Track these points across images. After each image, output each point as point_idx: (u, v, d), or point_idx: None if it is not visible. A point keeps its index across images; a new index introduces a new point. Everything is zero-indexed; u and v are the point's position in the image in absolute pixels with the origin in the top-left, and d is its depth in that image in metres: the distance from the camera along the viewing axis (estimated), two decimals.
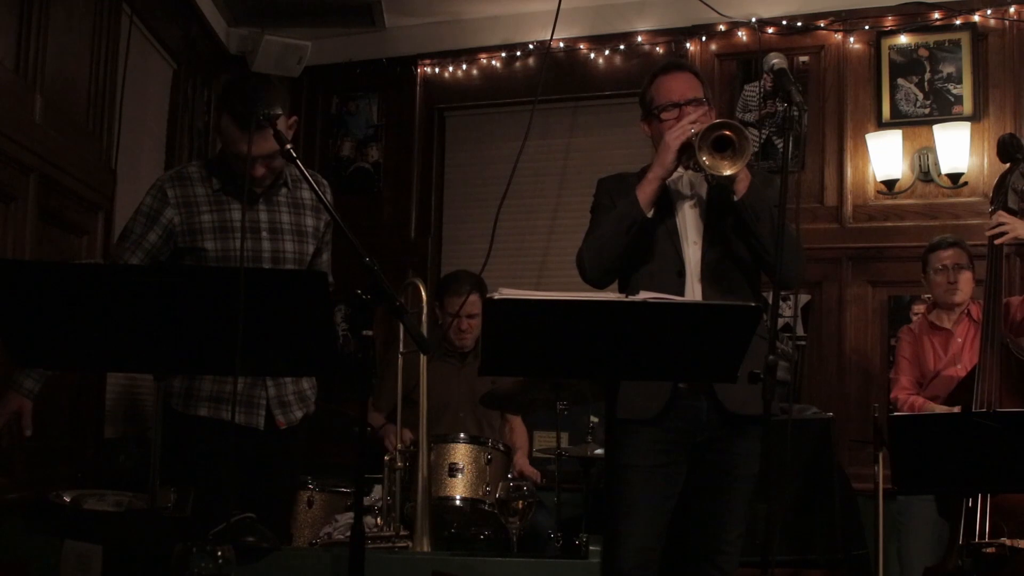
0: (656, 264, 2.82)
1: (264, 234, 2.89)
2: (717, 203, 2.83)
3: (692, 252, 2.82)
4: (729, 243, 2.81)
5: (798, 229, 2.74)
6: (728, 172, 2.64)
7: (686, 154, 2.73)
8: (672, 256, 2.82)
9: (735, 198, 2.73)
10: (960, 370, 3.74)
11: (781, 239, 2.47)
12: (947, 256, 3.85)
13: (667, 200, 2.84)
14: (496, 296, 2.12)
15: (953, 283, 3.84)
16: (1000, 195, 3.63)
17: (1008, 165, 3.65)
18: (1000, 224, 3.49)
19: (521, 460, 4.18)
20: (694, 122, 2.72)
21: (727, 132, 2.62)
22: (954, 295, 3.86)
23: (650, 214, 2.76)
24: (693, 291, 2.78)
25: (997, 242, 3.49)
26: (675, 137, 2.72)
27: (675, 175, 2.83)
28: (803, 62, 4.99)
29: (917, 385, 3.86)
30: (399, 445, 3.54)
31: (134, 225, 2.89)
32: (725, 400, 2.73)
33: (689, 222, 2.85)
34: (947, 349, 3.86)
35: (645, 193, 2.75)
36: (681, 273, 2.80)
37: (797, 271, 2.75)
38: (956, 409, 3.48)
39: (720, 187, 2.77)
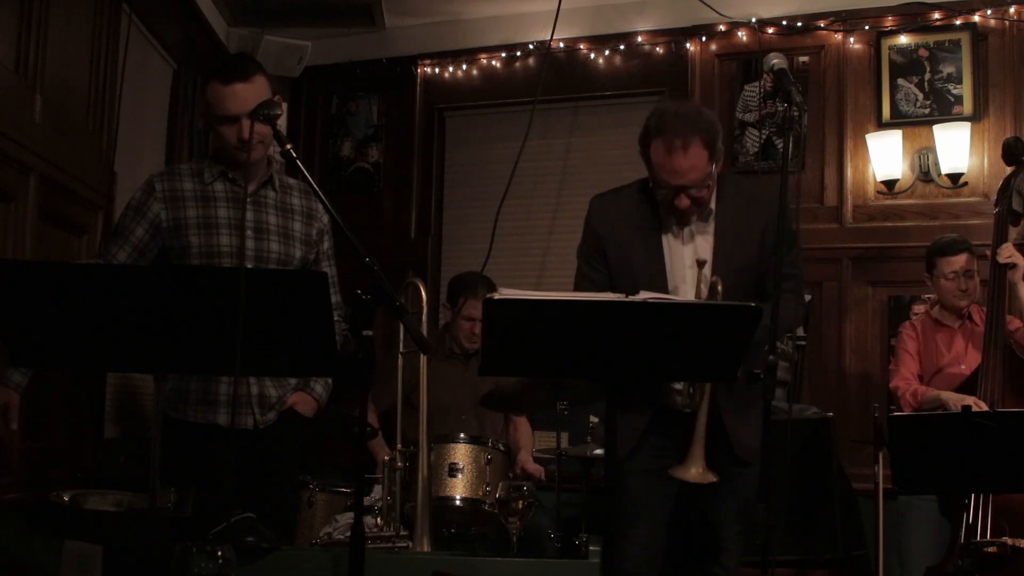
0: None
1: (249, 232, 2.90)
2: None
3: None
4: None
5: (798, 228, 2.74)
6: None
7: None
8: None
9: None
10: (964, 369, 3.76)
11: (781, 237, 2.47)
12: (958, 262, 3.87)
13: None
14: (496, 296, 2.12)
15: (964, 290, 3.87)
16: (1004, 198, 3.66)
17: (1013, 168, 3.68)
18: (1011, 256, 3.61)
19: (524, 457, 4.18)
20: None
21: None
22: (965, 300, 3.89)
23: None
24: None
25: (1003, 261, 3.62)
26: None
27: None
28: (803, 62, 4.98)
29: (918, 378, 3.87)
30: (397, 450, 3.52)
31: (123, 219, 2.91)
32: (737, 446, 2.75)
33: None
34: (951, 347, 3.89)
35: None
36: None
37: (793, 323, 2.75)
38: (958, 407, 3.50)
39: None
